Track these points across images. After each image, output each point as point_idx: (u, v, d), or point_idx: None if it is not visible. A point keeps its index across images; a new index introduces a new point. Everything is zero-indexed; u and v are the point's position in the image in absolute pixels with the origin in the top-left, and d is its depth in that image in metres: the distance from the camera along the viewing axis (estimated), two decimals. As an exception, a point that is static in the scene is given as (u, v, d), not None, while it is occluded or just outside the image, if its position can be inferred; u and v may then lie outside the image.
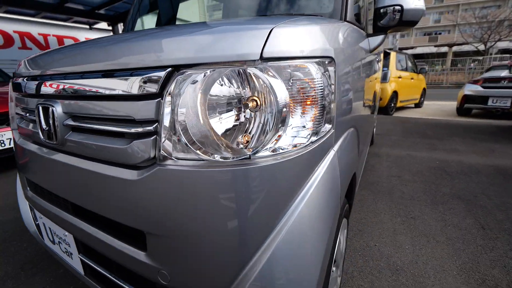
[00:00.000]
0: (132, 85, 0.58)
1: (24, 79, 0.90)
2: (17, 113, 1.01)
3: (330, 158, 0.69)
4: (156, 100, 0.56)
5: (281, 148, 0.57)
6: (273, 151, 0.56)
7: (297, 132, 0.59)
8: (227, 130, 0.54)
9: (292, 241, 0.58)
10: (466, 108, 6.13)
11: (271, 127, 0.55)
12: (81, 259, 0.90)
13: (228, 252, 0.56)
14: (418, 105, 8.06)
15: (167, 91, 0.55)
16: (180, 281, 0.62)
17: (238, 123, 0.55)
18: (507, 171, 2.71)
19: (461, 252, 1.52)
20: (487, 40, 21.06)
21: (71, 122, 0.73)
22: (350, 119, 0.90)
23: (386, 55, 6.06)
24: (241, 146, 0.55)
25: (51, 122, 0.76)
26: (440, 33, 30.46)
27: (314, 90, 0.59)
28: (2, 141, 2.74)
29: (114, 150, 0.64)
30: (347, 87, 0.83)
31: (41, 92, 0.79)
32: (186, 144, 0.55)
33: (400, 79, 6.42)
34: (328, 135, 0.68)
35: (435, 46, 27.25)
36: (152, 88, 0.56)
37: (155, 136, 0.58)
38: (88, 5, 5.52)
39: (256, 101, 0.55)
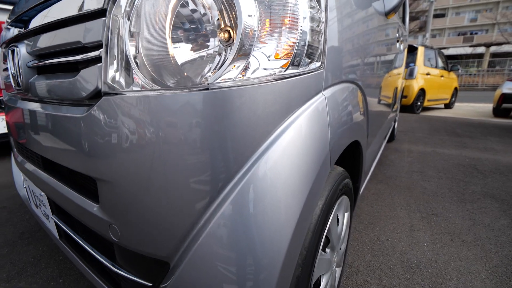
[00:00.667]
0: (78, 4, 0.50)
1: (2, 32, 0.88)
2: (3, 70, 1.00)
3: (317, 102, 0.56)
4: (103, 19, 0.48)
5: (247, 78, 0.46)
6: (241, 74, 0.46)
7: (269, 58, 0.47)
8: (186, 61, 0.44)
9: (254, 197, 0.45)
10: (504, 108, 5.53)
11: (233, 49, 0.44)
12: (55, 221, 0.85)
13: (175, 202, 0.46)
14: (448, 106, 7.43)
15: (112, 7, 0.47)
16: (130, 236, 0.53)
17: (203, 54, 0.45)
18: (554, 172, 2.35)
19: (493, 255, 1.29)
20: (531, 39, 19.18)
21: (34, 63, 0.68)
22: (352, 71, 0.76)
23: (413, 50, 5.66)
24: (205, 78, 0.45)
25: (17, 65, 0.71)
26: (476, 33, 28.24)
27: (293, 7, 0.48)
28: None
29: (67, 86, 0.57)
30: (347, 31, 0.70)
31: (9, 37, 0.76)
32: (132, 71, 0.46)
33: (428, 76, 5.96)
34: (314, 73, 0.55)
35: (471, 46, 25.26)
36: (97, 4, 0.48)
37: (101, 63, 0.49)
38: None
39: (229, 32, 0.45)
